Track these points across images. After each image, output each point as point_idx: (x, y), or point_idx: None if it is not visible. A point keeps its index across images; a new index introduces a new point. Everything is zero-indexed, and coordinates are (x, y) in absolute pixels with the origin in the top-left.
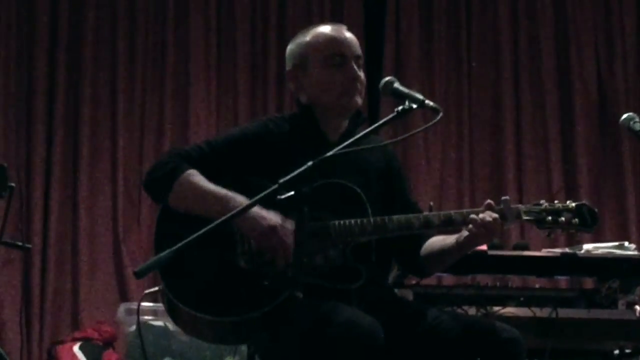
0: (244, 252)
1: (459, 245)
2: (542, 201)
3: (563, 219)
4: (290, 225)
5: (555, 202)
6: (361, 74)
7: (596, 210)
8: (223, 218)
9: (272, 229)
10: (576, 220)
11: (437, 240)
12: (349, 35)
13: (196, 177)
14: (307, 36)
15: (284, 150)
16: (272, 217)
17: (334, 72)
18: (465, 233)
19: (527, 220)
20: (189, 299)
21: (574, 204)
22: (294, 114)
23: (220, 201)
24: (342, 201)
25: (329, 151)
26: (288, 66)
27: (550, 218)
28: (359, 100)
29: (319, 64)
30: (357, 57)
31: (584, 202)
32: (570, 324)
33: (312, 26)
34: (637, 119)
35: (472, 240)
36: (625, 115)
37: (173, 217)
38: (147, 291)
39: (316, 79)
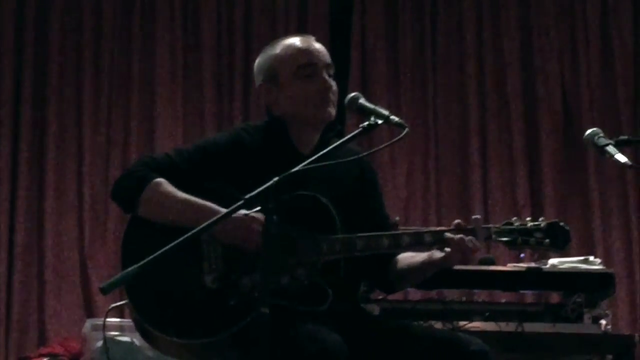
0: (211, 270)
1: (431, 264)
2: (513, 219)
3: (534, 239)
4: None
5: (527, 219)
6: (333, 84)
7: (568, 228)
8: (189, 234)
9: (242, 219)
10: (547, 241)
11: (407, 257)
12: (317, 45)
13: (164, 185)
14: (276, 49)
15: (256, 162)
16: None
17: (306, 83)
18: (437, 253)
19: (498, 241)
20: (156, 319)
21: (545, 223)
22: (266, 123)
23: (190, 209)
24: (310, 214)
25: (300, 164)
26: (258, 81)
27: (521, 239)
28: (333, 111)
29: (290, 76)
30: (327, 66)
31: (556, 220)
32: (536, 338)
33: (279, 39)
34: (601, 134)
35: (446, 260)
36: (589, 131)
37: (140, 230)
38: (112, 305)
39: (289, 93)
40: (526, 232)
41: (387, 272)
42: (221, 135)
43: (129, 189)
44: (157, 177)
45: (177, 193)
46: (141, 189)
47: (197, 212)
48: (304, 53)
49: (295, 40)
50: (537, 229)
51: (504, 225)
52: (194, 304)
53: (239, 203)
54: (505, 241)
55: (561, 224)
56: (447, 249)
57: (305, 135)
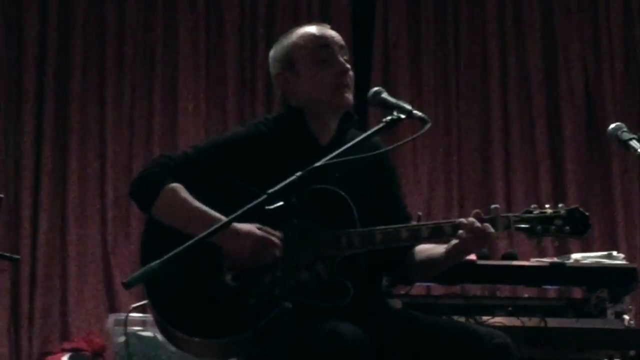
0: (230, 267)
1: (447, 254)
2: (533, 206)
3: (554, 227)
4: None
5: (547, 206)
6: (349, 67)
7: (588, 214)
8: (207, 232)
9: (259, 240)
10: (567, 228)
11: (425, 249)
12: (331, 31)
13: (180, 192)
14: (290, 38)
15: (274, 154)
16: (253, 230)
17: (323, 67)
18: (454, 241)
19: (517, 229)
20: (176, 318)
21: (565, 210)
22: (281, 115)
23: (201, 220)
24: (329, 208)
25: (319, 154)
26: (275, 70)
27: (540, 227)
28: (350, 97)
29: (307, 61)
30: (342, 49)
31: (575, 206)
32: (559, 333)
33: (293, 29)
34: (624, 129)
35: (462, 247)
36: (612, 125)
37: (159, 229)
38: (133, 305)
39: (306, 78)
40: (546, 220)
41: (405, 262)
42: (238, 129)
43: (144, 193)
44: (171, 182)
45: (189, 201)
46: (155, 194)
47: (205, 223)
48: (319, 37)
49: (309, 28)
50: (556, 216)
51: (523, 213)
52: (214, 302)
53: (262, 198)
54: (525, 229)
55: (581, 209)
56: (462, 233)
57: (323, 123)
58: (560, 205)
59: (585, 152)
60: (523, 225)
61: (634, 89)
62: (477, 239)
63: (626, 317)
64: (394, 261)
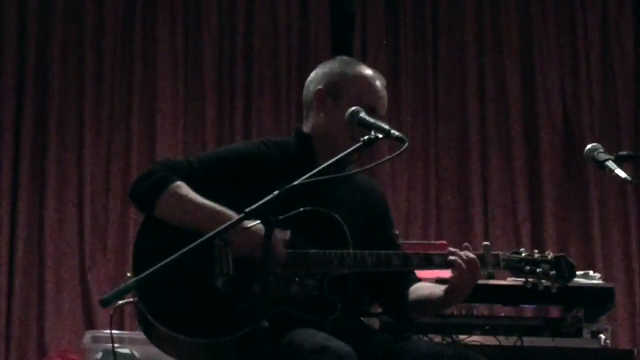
0: (222, 273)
1: (447, 290)
2: (521, 249)
3: (541, 270)
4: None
5: (535, 252)
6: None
7: (574, 263)
8: (209, 235)
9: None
10: (554, 272)
11: (425, 287)
12: (385, 92)
13: (185, 189)
14: (350, 70)
15: (274, 175)
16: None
17: None
18: (451, 280)
19: (505, 267)
20: (164, 316)
21: (552, 256)
22: (288, 140)
23: (209, 214)
24: (325, 230)
25: (322, 179)
26: (318, 83)
27: (528, 268)
28: (357, 155)
29: (351, 100)
30: (383, 110)
31: (563, 254)
32: (535, 353)
33: (355, 61)
34: (601, 150)
35: (458, 278)
36: (589, 146)
37: (155, 231)
38: (121, 302)
39: (340, 112)
40: (534, 262)
41: (405, 300)
42: (242, 145)
43: (149, 189)
44: (177, 180)
45: (196, 197)
46: (162, 190)
47: (214, 217)
48: (375, 96)
49: (374, 78)
50: (544, 260)
51: (512, 254)
52: (204, 305)
53: (240, 217)
54: (512, 268)
55: (568, 258)
56: (455, 259)
57: (328, 154)
58: (547, 252)
59: (562, 172)
60: (511, 265)
61: (611, 112)
62: (469, 272)
63: (602, 336)
64: (394, 298)
